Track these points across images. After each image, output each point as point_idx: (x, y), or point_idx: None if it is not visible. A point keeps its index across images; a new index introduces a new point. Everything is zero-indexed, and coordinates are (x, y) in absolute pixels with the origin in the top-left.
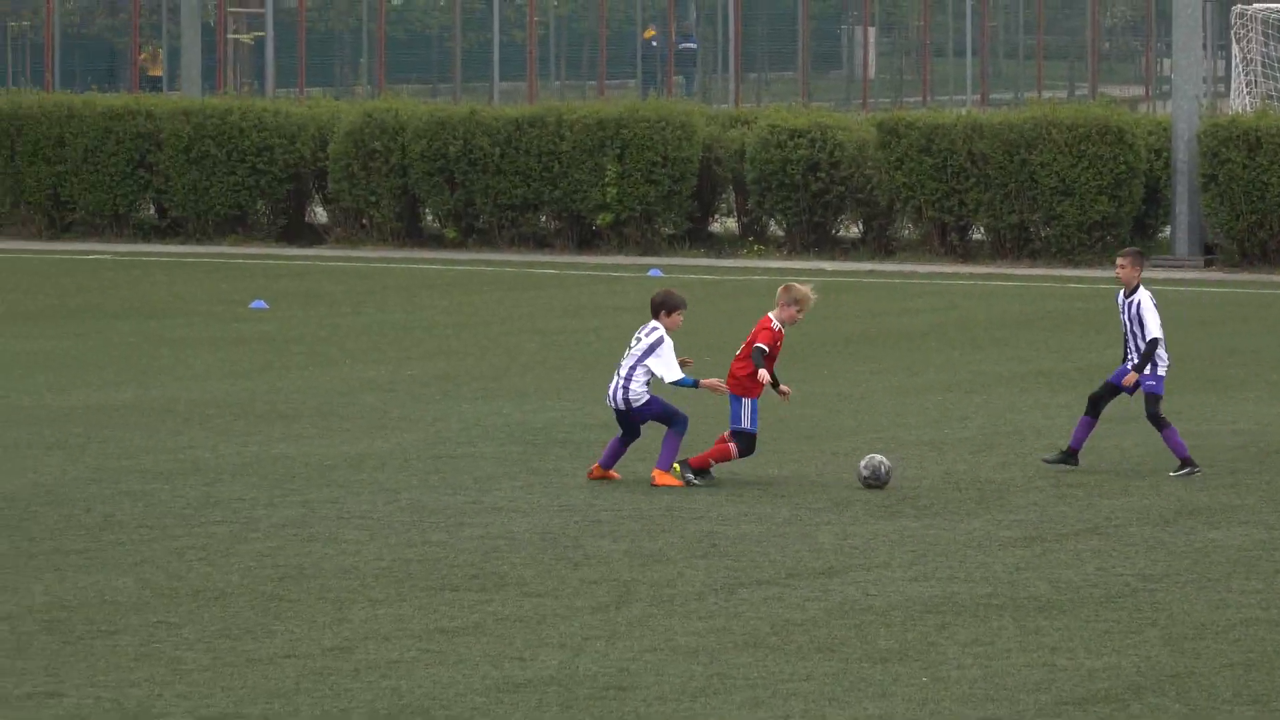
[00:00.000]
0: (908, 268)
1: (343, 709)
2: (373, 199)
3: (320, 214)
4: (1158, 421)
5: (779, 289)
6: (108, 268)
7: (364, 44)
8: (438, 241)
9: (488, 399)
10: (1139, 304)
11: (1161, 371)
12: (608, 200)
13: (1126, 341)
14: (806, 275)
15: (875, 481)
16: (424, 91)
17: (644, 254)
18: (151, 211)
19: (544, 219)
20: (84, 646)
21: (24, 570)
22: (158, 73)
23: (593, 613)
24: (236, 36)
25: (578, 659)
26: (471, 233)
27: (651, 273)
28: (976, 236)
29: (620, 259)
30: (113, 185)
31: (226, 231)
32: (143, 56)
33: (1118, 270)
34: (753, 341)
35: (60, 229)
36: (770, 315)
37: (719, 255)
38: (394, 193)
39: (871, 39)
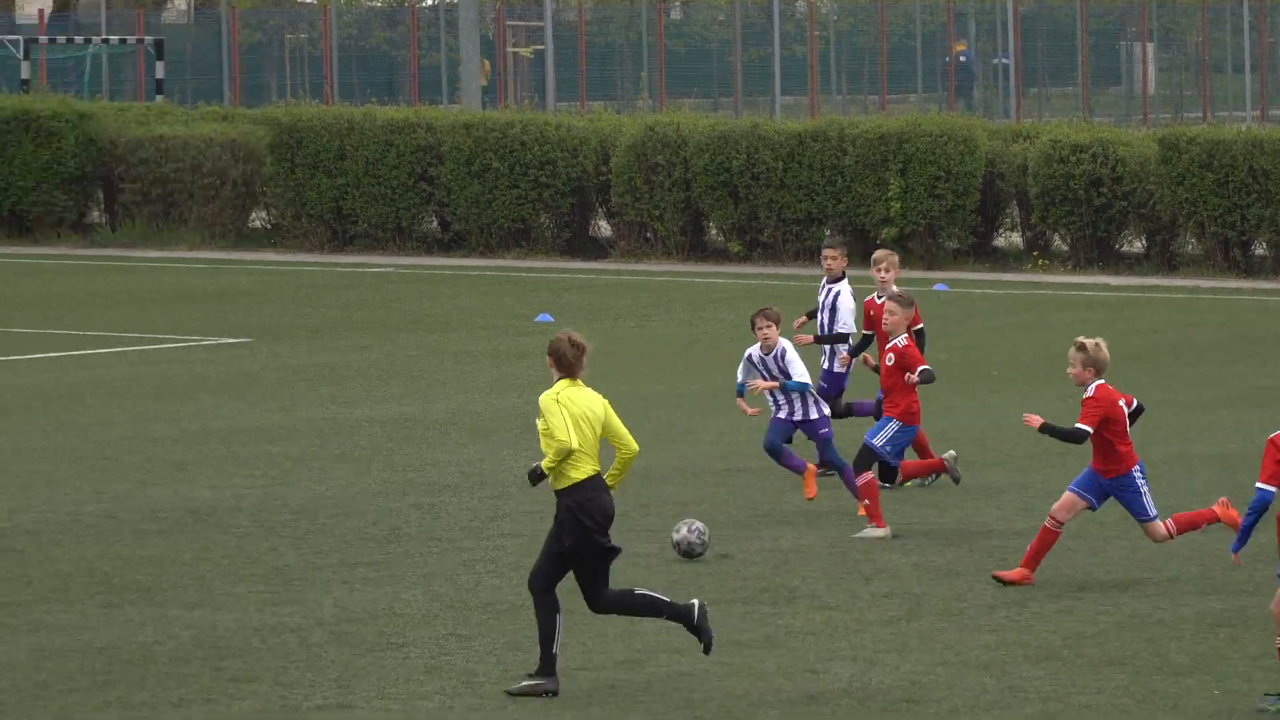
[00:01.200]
0: (1191, 282)
1: None
2: (656, 213)
3: (604, 227)
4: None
5: None
6: (391, 281)
7: (644, 57)
8: (722, 255)
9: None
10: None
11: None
12: (891, 215)
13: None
14: (1090, 290)
15: (698, 543)
16: (705, 105)
17: (929, 269)
18: (434, 225)
19: (828, 233)
20: (374, 659)
21: (313, 583)
22: (483, 82)
23: (884, 626)
24: (516, 50)
25: (870, 672)
26: (756, 246)
27: (937, 288)
28: (1259, 252)
29: (904, 273)
30: (394, 198)
31: (510, 245)
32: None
33: (828, 261)
34: None
35: (343, 242)
36: None
37: (1003, 270)
38: (677, 206)
39: (1150, 54)
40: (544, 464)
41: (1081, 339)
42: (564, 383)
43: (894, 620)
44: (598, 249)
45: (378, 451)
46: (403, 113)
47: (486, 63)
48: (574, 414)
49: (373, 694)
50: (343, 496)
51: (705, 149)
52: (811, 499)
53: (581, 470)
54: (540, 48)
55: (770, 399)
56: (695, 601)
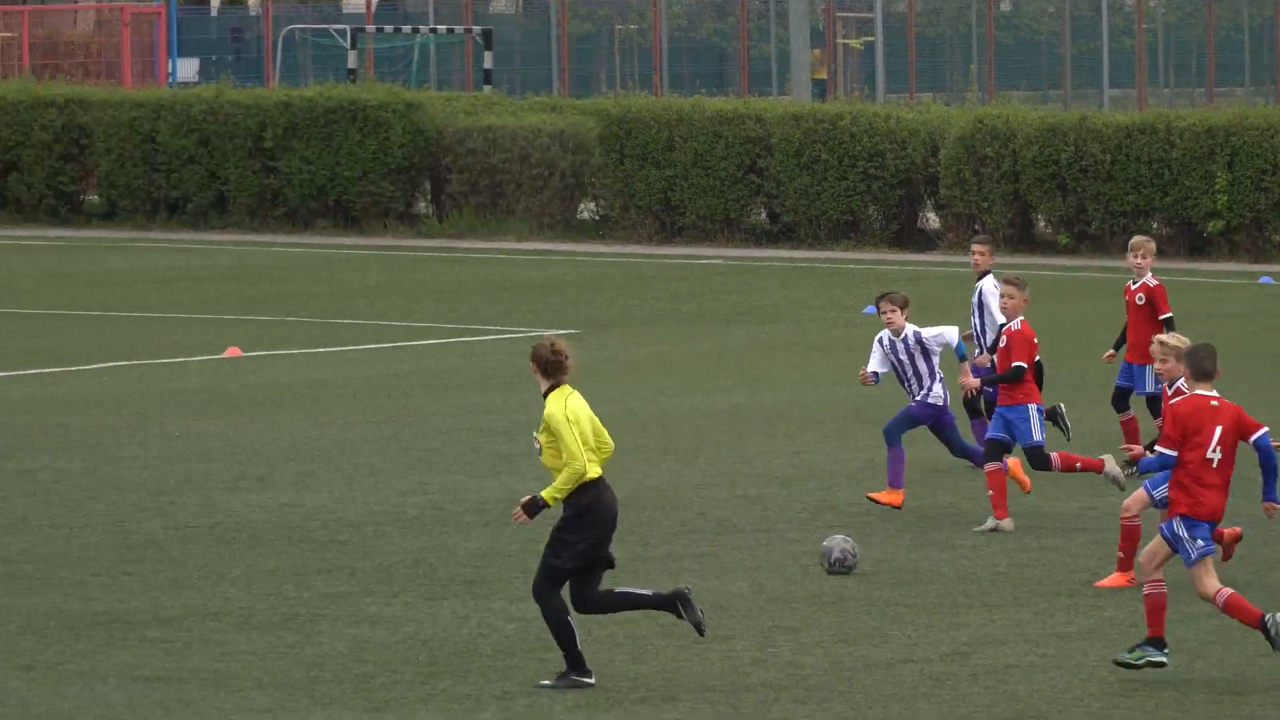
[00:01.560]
0: None
1: (960, 714)
2: (985, 205)
3: (932, 219)
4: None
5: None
6: (719, 273)
7: (973, 49)
8: (1049, 247)
9: (1104, 404)
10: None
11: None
12: (1218, 207)
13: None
14: None
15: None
16: (1034, 98)
17: (1255, 261)
18: (763, 216)
19: (1155, 225)
20: (699, 652)
21: (640, 575)
22: (822, 75)
23: (1209, 617)
24: (845, 41)
25: (1194, 663)
26: (1084, 239)
27: (1263, 280)
28: None
29: (1230, 266)
30: (723, 190)
31: (839, 237)
32: (814, 54)
33: (976, 256)
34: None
35: (671, 233)
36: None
37: None
38: (1006, 198)
39: None
40: (549, 494)
41: (1160, 337)
42: (558, 392)
43: (1217, 612)
44: (926, 241)
45: (705, 443)
46: (732, 104)
47: (828, 56)
48: (578, 421)
49: (697, 687)
50: (669, 488)
51: (1034, 141)
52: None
53: (591, 472)
54: (870, 39)
55: (906, 387)
56: (681, 587)
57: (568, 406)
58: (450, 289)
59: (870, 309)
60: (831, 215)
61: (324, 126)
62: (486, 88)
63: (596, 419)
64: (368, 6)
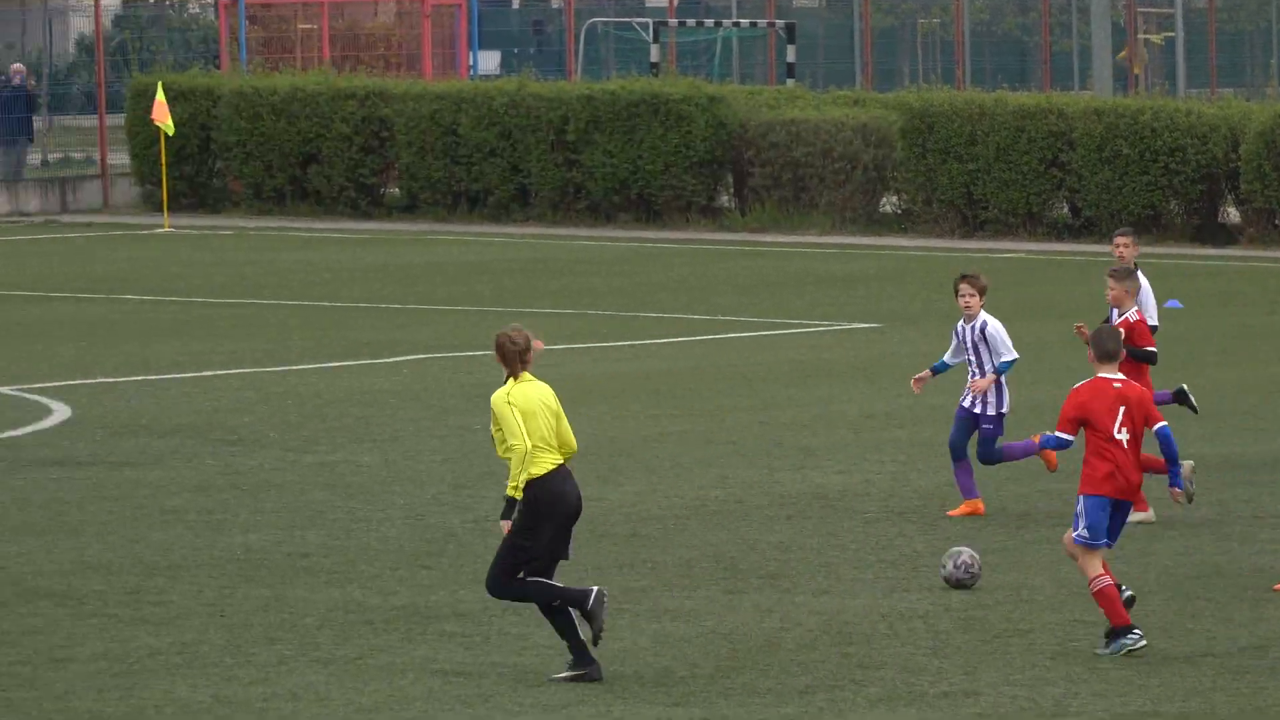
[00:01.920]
0: None
1: (1258, 706)
2: None
3: (1233, 214)
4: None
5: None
6: (1021, 266)
7: (1273, 45)
8: None
9: None
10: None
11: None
12: None
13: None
14: None
15: (966, 578)
16: None
17: None
18: (1065, 211)
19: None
20: (1000, 645)
21: (934, 569)
22: (1138, 70)
23: None
24: (1146, 36)
25: None
26: None
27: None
28: None
29: None
30: (1025, 184)
31: (1140, 231)
32: (1121, 55)
33: (1120, 249)
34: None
35: (973, 227)
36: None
37: None
38: None
39: None
40: (509, 489)
41: None
42: (512, 381)
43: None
44: (1227, 236)
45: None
46: (1034, 98)
47: (1144, 51)
48: (526, 410)
49: (999, 680)
50: (930, 486)
51: None
52: (952, 516)
53: (541, 465)
54: (1170, 34)
55: (972, 378)
56: (594, 587)
57: (511, 395)
58: (752, 283)
59: (1172, 303)
60: (1133, 209)
61: (626, 120)
62: (789, 81)
63: (563, 417)
64: (670, 1)
